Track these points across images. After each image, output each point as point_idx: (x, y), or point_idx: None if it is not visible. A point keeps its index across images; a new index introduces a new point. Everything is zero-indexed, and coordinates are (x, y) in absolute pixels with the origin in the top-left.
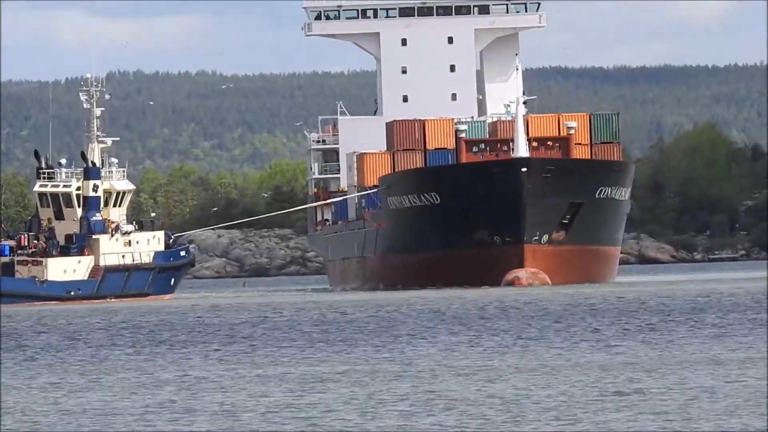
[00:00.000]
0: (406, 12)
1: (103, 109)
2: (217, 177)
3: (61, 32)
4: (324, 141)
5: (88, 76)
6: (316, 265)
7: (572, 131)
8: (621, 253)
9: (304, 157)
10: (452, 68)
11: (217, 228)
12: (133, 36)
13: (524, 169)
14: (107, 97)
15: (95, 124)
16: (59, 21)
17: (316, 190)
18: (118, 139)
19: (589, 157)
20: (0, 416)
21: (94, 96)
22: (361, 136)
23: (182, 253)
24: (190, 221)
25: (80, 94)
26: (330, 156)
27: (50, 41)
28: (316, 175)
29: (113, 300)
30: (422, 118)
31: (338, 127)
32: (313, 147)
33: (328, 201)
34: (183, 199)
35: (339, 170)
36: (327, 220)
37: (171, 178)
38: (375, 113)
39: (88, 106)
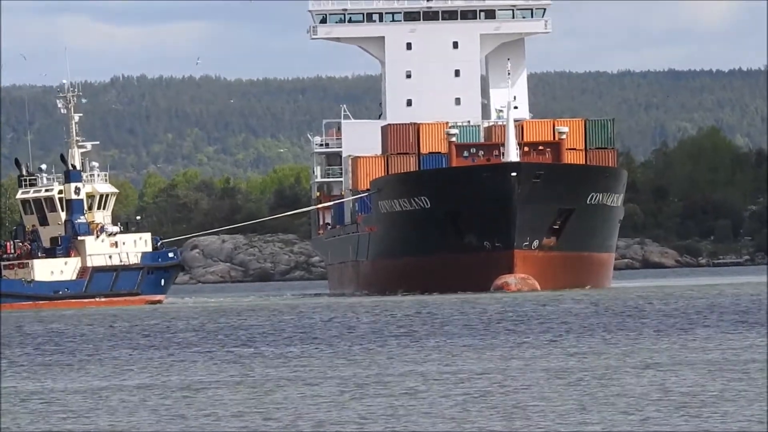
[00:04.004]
0: (411, 16)
1: (81, 114)
2: (220, 181)
3: (66, 37)
4: (327, 144)
5: (64, 81)
6: (321, 270)
7: (563, 136)
8: (625, 258)
9: (308, 162)
10: (457, 73)
11: (221, 232)
12: (138, 41)
13: (514, 174)
14: (84, 101)
15: (74, 129)
16: (64, 26)
17: (318, 193)
18: (98, 143)
19: (584, 163)
20: (0, 416)
21: (71, 101)
22: (364, 140)
23: (170, 255)
24: (194, 226)
25: (57, 100)
26: (334, 159)
27: (55, 46)
28: (319, 179)
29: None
30: (418, 122)
31: (342, 131)
32: (316, 150)
33: (325, 204)
34: (187, 203)
35: (342, 174)
36: (328, 224)
37: (174, 182)
38: (380, 117)
39: (65, 112)
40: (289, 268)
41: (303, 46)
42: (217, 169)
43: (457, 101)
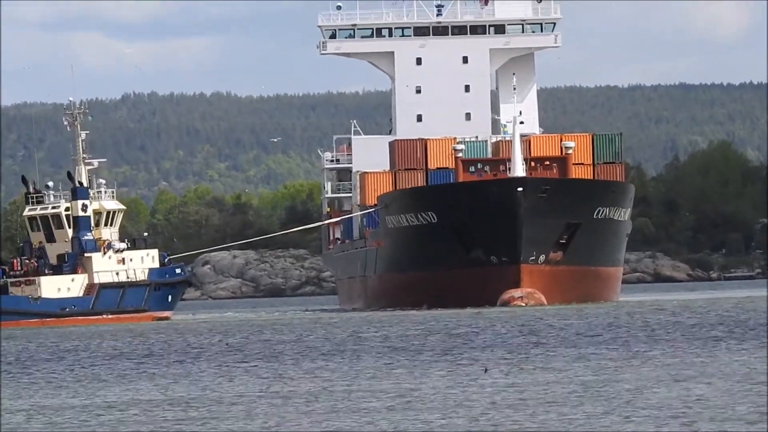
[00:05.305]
0: (420, 31)
1: (87, 131)
2: (232, 197)
3: (77, 54)
4: (338, 160)
5: (71, 99)
6: (331, 285)
7: (570, 151)
8: (637, 272)
9: (320, 177)
10: (467, 88)
11: (232, 247)
12: (148, 57)
13: (520, 189)
14: (90, 118)
15: (80, 146)
16: (75, 43)
17: (329, 209)
18: (105, 160)
19: (592, 178)
20: (0, 419)
21: (78, 119)
22: (374, 156)
23: (177, 271)
24: (206, 242)
25: (63, 118)
26: (344, 175)
27: (66, 63)
28: (329, 194)
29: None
30: (426, 138)
31: (352, 147)
32: (327, 166)
33: (334, 220)
34: (199, 219)
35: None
36: (338, 239)
37: (186, 199)
38: (390, 132)
39: (71, 129)
40: (300, 283)
41: (313, 62)
42: (228, 186)
43: (468, 116)
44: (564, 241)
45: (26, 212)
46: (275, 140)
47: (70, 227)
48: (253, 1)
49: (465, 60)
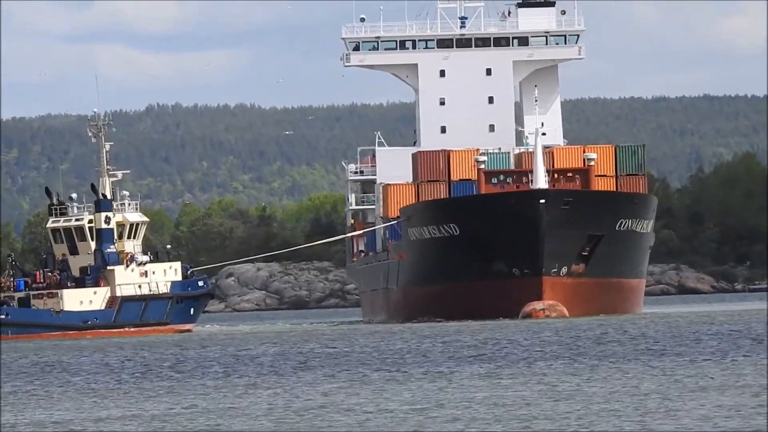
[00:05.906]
0: (444, 43)
1: (111, 143)
2: (256, 209)
3: (101, 66)
4: (362, 172)
5: (95, 110)
6: (355, 298)
7: (592, 163)
8: (661, 284)
9: (344, 189)
10: (490, 100)
11: (256, 259)
12: (172, 69)
13: (542, 201)
14: (114, 130)
15: (104, 158)
16: (99, 55)
17: (353, 221)
18: (128, 171)
19: (615, 189)
20: (0, 418)
21: (102, 130)
22: (398, 167)
23: (200, 283)
24: (230, 254)
25: (87, 129)
26: (368, 187)
27: (90, 74)
28: (353, 206)
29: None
30: (448, 149)
31: (376, 158)
32: (351, 178)
33: (358, 232)
34: (223, 231)
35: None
36: (362, 251)
37: (210, 211)
38: (414, 144)
39: (95, 141)
40: (324, 296)
41: (337, 74)
42: (252, 198)
43: (491, 128)
44: (586, 253)
45: (49, 224)
46: (287, 133)
47: (93, 240)
48: (277, 1)
49: (489, 72)
